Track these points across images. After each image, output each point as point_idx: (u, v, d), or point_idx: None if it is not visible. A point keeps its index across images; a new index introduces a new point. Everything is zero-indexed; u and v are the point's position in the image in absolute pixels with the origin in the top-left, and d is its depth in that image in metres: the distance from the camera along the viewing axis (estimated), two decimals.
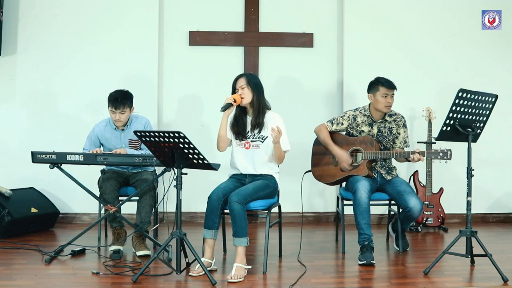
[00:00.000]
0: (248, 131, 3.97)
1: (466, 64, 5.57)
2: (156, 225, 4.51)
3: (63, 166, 4.11)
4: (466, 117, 3.67)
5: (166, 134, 3.48)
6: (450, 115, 3.63)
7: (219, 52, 5.55)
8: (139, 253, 4.17)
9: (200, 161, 3.57)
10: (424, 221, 5.17)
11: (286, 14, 5.59)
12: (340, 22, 5.59)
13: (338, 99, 5.59)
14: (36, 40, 5.39)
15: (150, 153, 3.85)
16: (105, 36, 5.42)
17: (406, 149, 4.37)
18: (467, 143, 3.71)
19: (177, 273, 3.61)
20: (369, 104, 4.37)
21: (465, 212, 3.84)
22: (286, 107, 5.14)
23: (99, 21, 5.42)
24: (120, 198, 4.33)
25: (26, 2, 5.39)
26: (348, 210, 4.36)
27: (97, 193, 4.30)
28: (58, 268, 3.88)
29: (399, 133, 4.38)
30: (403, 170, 5.36)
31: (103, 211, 4.35)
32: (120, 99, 4.33)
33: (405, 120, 4.42)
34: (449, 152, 3.92)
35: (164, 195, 3.98)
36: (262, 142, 3.94)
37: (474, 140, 3.78)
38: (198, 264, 3.64)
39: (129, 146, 4.44)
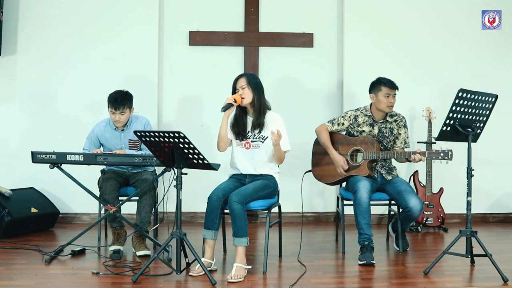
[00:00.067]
0: (249, 131, 3.97)
1: (466, 64, 5.57)
2: (156, 225, 4.51)
3: (63, 166, 4.11)
4: (466, 117, 3.67)
5: (166, 134, 3.48)
6: (450, 115, 3.63)
7: (219, 52, 5.55)
8: (139, 253, 4.17)
9: (200, 161, 3.57)
10: (424, 221, 5.17)
11: (286, 14, 5.59)
12: (340, 22, 5.59)
13: (338, 99, 5.59)
14: (36, 40, 5.39)
15: (150, 153, 3.85)
16: (105, 36, 5.42)
17: (406, 150, 4.37)
18: (467, 143, 3.71)
19: (177, 273, 3.61)
20: (370, 104, 4.37)
21: (465, 212, 3.84)
22: (286, 107, 5.13)
23: (99, 21, 5.42)
24: (120, 198, 4.33)
25: (26, 2, 5.39)
26: (348, 210, 4.36)
27: (97, 193, 4.30)
28: (58, 268, 3.88)
29: (399, 134, 4.38)
30: (403, 170, 5.36)
31: (103, 211, 4.35)
32: (120, 100, 4.32)
33: (405, 121, 4.42)
34: (450, 153, 3.92)
35: (164, 195, 3.97)
36: (263, 142, 3.94)
37: (474, 140, 3.78)
38: (198, 264, 3.64)
39: (129, 146, 4.44)
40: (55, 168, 4.08)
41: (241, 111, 3.98)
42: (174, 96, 5.54)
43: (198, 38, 5.52)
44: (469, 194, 3.72)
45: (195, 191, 5.11)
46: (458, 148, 4.07)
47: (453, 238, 3.78)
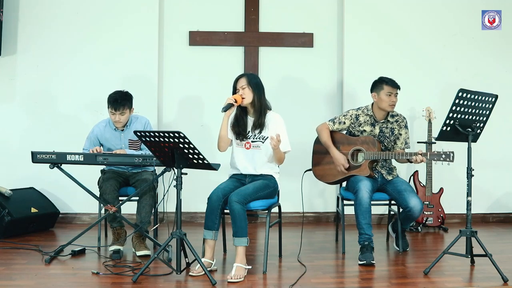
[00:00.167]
0: (249, 131, 3.97)
1: (466, 64, 5.57)
2: (156, 225, 4.51)
3: (63, 166, 4.11)
4: (466, 117, 3.67)
5: (166, 134, 3.48)
6: (450, 115, 3.63)
7: (219, 52, 5.55)
8: (139, 253, 4.17)
9: (200, 161, 3.57)
10: (424, 221, 5.17)
11: (286, 14, 5.59)
12: (340, 22, 5.59)
13: (338, 99, 5.59)
14: (36, 40, 5.39)
15: (150, 153, 3.85)
16: (105, 36, 5.42)
17: (406, 150, 4.37)
18: (467, 143, 3.71)
19: (177, 273, 3.61)
20: (372, 104, 4.38)
21: (465, 212, 3.84)
22: (286, 107, 5.13)
23: (99, 21, 5.42)
24: (120, 198, 4.33)
25: (26, 2, 5.39)
26: (348, 210, 4.36)
27: (97, 193, 4.30)
28: (58, 268, 3.88)
29: (400, 134, 4.38)
30: (403, 170, 5.36)
31: (103, 211, 4.35)
32: (120, 101, 4.32)
33: (406, 121, 4.43)
34: (451, 155, 3.91)
35: (164, 195, 3.97)
36: (263, 142, 3.94)
37: (474, 140, 3.78)
38: (198, 264, 3.64)
39: (129, 147, 4.43)
40: (55, 168, 4.08)
41: (242, 111, 3.98)
42: (174, 96, 5.54)
43: (198, 38, 5.52)
44: (469, 194, 3.72)
45: (195, 191, 5.11)
46: (458, 148, 4.07)
47: (453, 238, 3.78)
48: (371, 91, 4.35)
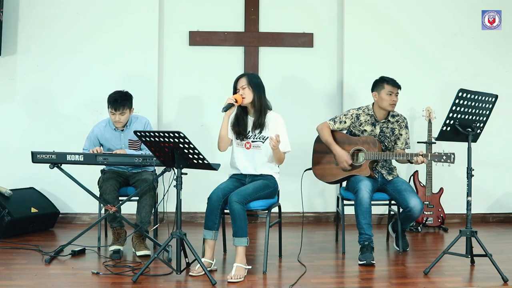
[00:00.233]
0: (249, 131, 3.97)
1: (466, 64, 5.57)
2: (156, 225, 4.51)
3: (63, 166, 4.11)
4: (466, 117, 3.67)
5: (166, 134, 3.48)
6: (450, 115, 3.63)
7: (219, 52, 5.55)
8: (139, 253, 4.17)
9: (200, 161, 3.57)
10: (424, 221, 5.17)
11: (286, 14, 5.59)
12: (340, 22, 5.59)
13: (338, 99, 5.59)
14: (36, 40, 5.39)
15: (150, 153, 3.85)
16: (105, 36, 5.42)
17: (406, 151, 4.37)
18: (467, 143, 3.71)
19: (177, 273, 3.61)
20: (373, 104, 4.38)
21: (465, 212, 3.84)
22: (286, 107, 5.13)
23: (99, 21, 5.42)
24: (120, 198, 4.33)
25: (26, 2, 5.39)
26: (348, 210, 4.36)
27: (97, 193, 4.30)
28: (58, 268, 3.88)
29: (401, 134, 4.38)
30: (403, 170, 5.36)
31: (103, 211, 4.35)
32: (120, 101, 4.32)
33: (407, 122, 4.43)
34: (452, 156, 3.91)
35: (164, 195, 3.97)
36: (263, 142, 3.94)
37: (474, 140, 3.78)
38: (198, 264, 3.64)
39: (129, 147, 4.43)
40: (55, 168, 4.08)
41: (242, 111, 3.99)
42: (174, 96, 5.54)
43: (198, 38, 5.52)
44: (469, 194, 3.72)
45: (195, 191, 5.11)
46: (458, 148, 4.07)
47: (453, 238, 3.78)
48: (372, 90, 4.35)
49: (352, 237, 4.43)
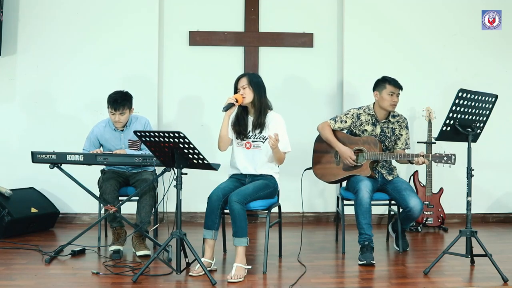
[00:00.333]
0: (249, 131, 3.97)
1: (466, 64, 5.57)
2: (156, 225, 4.51)
3: (63, 166, 4.11)
4: (466, 117, 3.67)
5: (166, 134, 3.48)
6: (450, 115, 3.63)
7: (219, 52, 5.55)
8: (139, 253, 4.17)
9: (200, 161, 3.57)
10: (424, 221, 5.17)
11: (286, 14, 5.59)
12: (340, 22, 5.59)
13: (338, 99, 5.59)
14: (36, 40, 5.39)
15: (150, 153, 3.85)
16: (105, 36, 5.42)
17: (407, 151, 4.37)
18: (467, 143, 3.71)
19: (177, 273, 3.61)
20: (373, 104, 4.38)
21: (465, 212, 3.84)
22: (286, 107, 5.12)
23: (99, 21, 5.42)
24: (120, 198, 4.33)
25: (26, 2, 5.39)
26: (348, 210, 4.36)
27: (97, 193, 4.30)
28: (58, 268, 3.88)
29: (401, 134, 4.38)
30: (403, 170, 5.36)
31: (103, 211, 4.35)
32: (120, 101, 4.32)
33: (407, 122, 4.43)
34: (453, 157, 3.91)
35: (164, 195, 3.97)
36: (263, 142, 3.94)
37: (474, 140, 3.78)
38: (198, 264, 3.64)
39: (129, 147, 4.43)
40: (55, 168, 4.08)
41: (243, 111, 3.99)
42: (174, 96, 5.54)
43: (198, 38, 5.52)
44: (469, 194, 3.72)
45: (195, 191, 5.11)
46: (458, 148, 4.07)
47: (453, 238, 3.78)
48: (374, 89, 4.35)
49: (352, 237, 4.43)
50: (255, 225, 5.42)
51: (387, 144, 4.35)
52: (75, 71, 5.41)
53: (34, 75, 5.39)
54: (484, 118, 3.77)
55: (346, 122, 4.37)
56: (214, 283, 3.46)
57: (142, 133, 3.58)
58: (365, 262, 3.94)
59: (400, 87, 4.29)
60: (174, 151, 3.56)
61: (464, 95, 3.59)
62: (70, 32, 5.40)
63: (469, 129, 3.69)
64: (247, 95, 3.91)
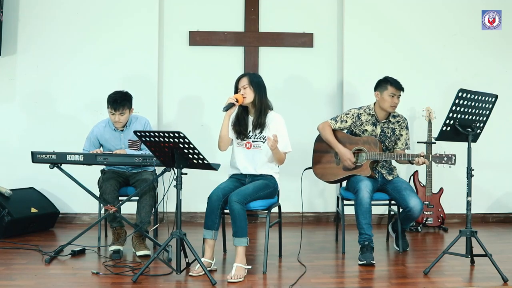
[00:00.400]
0: (250, 131, 3.97)
1: (466, 64, 5.57)
2: (156, 225, 4.51)
3: (63, 166, 4.11)
4: (466, 117, 3.67)
5: (166, 134, 3.48)
6: (450, 115, 3.63)
7: (219, 52, 5.55)
8: (139, 253, 4.17)
9: (200, 161, 3.57)
10: (424, 221, 5.17)
11: (286, 14, 5.59)
12: (340, 22, 5.59)
13: (338, 99, 5.59)
14: (36, 40, 5.39)
15: (150, 153, 3.85)
16: (105, 36, 5.42)
17: (407, 151, 4.37)
18: (467, 143, 3.71)
19: (177, 273, 3.61)
20: (374, 104, 4.38)
21: (465, 212, 3.84)
22: (286, 107, 5.12)
23: (99, 21, 5.42)
24: (120, 198, 4.33)
25: (26, 2, 5.39)
26: (348, 210, 4.36)
27: (97, 193, 4.30)
28: (58, 268, 3.88)
29: (401, 135, 4.38)
30: (403, 170, 5.36)
31: (103, 211, 4.35)
32: (120, 101, 4.32)
33: (407, 122, 4.44)
34: (453, 158, 3.92)
35: (164, 195, 3.97)
36: (263, 142, 3.94)
37: (474, 140, 3.78)
38: (198, 264, 3.64)
39: (129, 147, 4.43)
40: (55, 168, 4.08)
41: (243, 111, 3.99)
42: (174, 96, 5.54)
43: (198, 38, 5.53)
44: (469, 194, 3.72)
45: (195, 191, 5.11)
46: (458, 148, 4.07)
47: (453, 238, 3.78)
48: (375, 89, 4.35)
49: (352, 237, 4.43)
50: (255, 225, 5.42)
51: (387, 144, 4.35)
52: (75, 71, 5.41)
53: (34, 75, 5.39)
54: (484, 118, 3.77)
55: (346, 122, 4.37)
56: (214, 283, 3.46)
57: (142, 133, 3.58)
58: (365, 262, 3.94)
59: (402, 89, 4.29)
60: (174, 151, 3.56)
61: (464, 95, 3.59)
62: (70, 32, 5.40)
63: (469, 129, 3.69)
64: (248, 95, 3.91)
